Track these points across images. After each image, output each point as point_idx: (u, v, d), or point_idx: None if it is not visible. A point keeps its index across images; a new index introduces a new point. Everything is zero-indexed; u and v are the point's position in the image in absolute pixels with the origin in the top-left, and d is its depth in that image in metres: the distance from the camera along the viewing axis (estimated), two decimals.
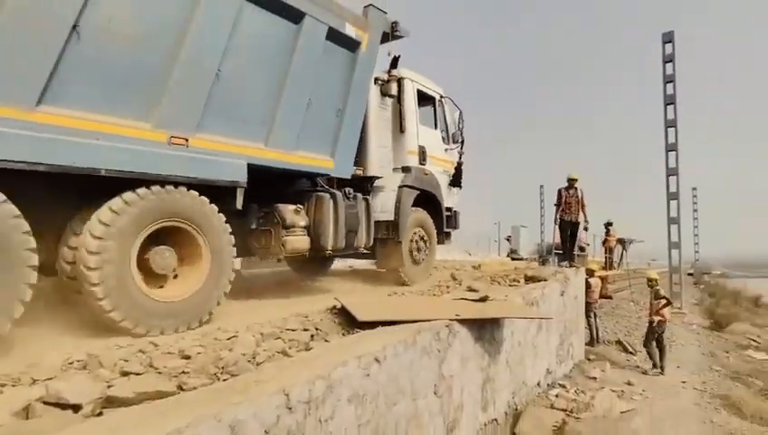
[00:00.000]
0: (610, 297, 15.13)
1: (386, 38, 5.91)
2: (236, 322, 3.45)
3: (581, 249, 14.39)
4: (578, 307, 7.59)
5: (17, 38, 2.78)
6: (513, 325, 4.56)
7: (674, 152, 15.15)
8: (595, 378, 6.57)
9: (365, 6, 5.57)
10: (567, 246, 8.89)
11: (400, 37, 6.22)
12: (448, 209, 7.48)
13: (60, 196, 3.22)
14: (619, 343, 9.46)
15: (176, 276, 3.70)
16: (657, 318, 7.51)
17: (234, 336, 2.92)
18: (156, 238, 3.51)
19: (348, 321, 3.41)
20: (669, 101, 15.23)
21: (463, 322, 3.57)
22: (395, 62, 6.40)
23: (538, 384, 5.48)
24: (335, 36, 5.00)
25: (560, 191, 8.74)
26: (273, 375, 2.07)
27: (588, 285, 8.88)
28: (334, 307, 3.72)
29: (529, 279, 6.35)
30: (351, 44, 5.27)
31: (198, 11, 3.62)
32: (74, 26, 2.95)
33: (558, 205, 8.73)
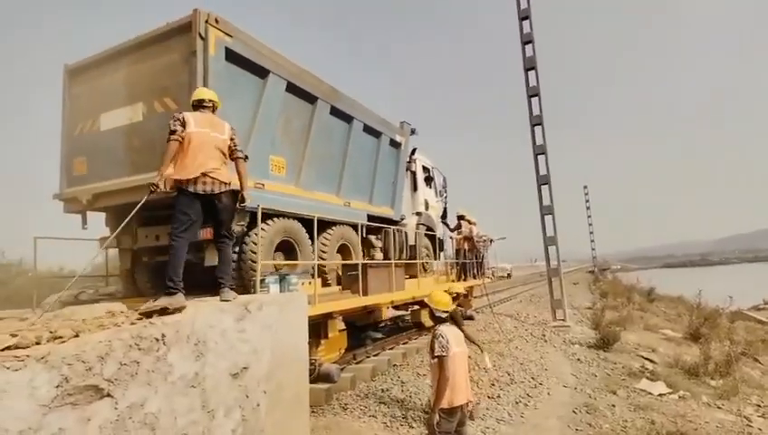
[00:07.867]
0: (471, 317, 11.53)
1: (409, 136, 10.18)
2: None
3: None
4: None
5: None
6: None
7: (540, 126, 12.02)
8: None
9: (401, 122, 9.80)
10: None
11: (415, 134, 10.54)
12: (438, 238, 11.71)
13: None
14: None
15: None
16: (436, 402, 3.54)
17: None
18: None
19: None
20: (530, 65, 12.01)
21: None
22: (413, 151, 10.65)
23: None
24: (392, 142, 9.12)
25: None
26: None
27: None
28: None
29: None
30: (397, 145, 9.43)
31: (350, 143, 7.56)
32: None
33: None
